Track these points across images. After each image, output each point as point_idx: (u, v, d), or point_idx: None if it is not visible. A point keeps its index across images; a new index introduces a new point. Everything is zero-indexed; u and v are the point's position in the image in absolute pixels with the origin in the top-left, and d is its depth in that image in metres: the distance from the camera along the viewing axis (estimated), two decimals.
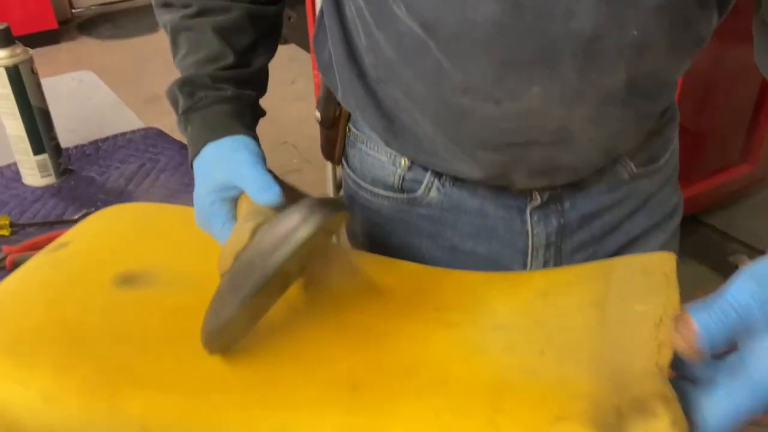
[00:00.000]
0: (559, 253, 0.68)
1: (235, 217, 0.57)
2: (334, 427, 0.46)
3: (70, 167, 0.99)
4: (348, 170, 0.73)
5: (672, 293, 0.46)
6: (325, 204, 0.46)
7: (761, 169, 1.91)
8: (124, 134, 1.08)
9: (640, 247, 0.71)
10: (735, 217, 1.96)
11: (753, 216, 1.92)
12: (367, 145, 0.69)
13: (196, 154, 0.60)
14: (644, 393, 0.41)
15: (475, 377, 0.47)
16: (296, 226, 0.45)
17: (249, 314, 0.48)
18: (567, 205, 0.66)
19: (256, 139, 0.60)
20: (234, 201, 0.57)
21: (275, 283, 0.47)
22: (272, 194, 0.52)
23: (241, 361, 0.51)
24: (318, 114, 0.73)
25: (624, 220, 0.69)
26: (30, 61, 0.88)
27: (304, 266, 0.52)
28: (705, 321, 0.38)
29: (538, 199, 0.65)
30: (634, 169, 0.67)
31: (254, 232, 0.49)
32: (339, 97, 0.68)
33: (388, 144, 0.66)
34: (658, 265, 0.49)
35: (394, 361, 0.50)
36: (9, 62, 0.86)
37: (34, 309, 0.55)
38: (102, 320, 0.54)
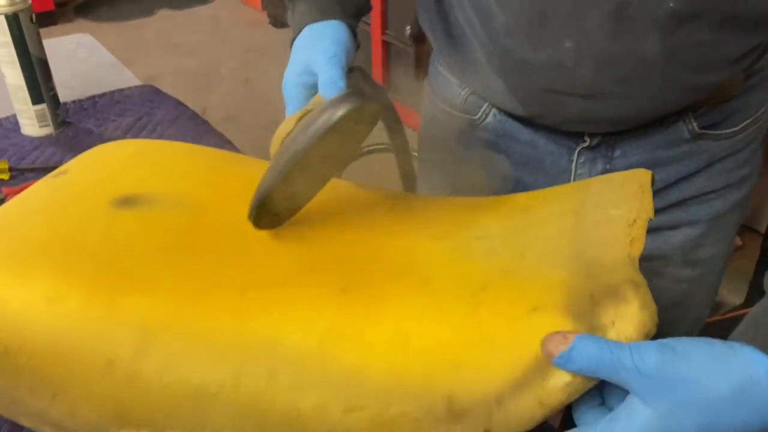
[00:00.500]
0: None
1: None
2: (324, 325, 0.49)
3: (68, 120, 1.01)
4: (428, 87, 0.79)
5: (646, 200, 0.49)
6: (359, 96, 0.50)
7: None
8: (121, 90, 1.10)
9: (693, 210, 0.70)
10: None
11: None
12: (442, 65, 0.75)
13: (295, 36, 0.62)
14: (615, 280, 0.43)
15: (457, 279, 0.50)
16: (328, 113, 0.50)
17: (285, 191, 0.53)
18: (617, 152, 0.66)
19: (353, 28, 0.62)
20: (314, 87, 0.57)
21: (306, 162, 0.51)
22: (334, 89, 0.53)
23: (235, 270, 0.53)
24: (408, 30, 0.79)
25: (680, 180, 0.68)
26: (29, 9, 0.89)
27: (339, 151, 0.55)
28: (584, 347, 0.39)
29: (587, 141, 0.66)
30: (697, 129, 0.65)
31: (300, 120, 0.53)
32: (419, 16, 0.72)
33: (451, 70, 0.71)
34: (633, 178, 0.52)
35: (381, 268, 0.52)
36: (8, 10, 0.87)
37: (36, 225, 0.57)
38: (101, 235, 0.56)
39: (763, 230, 1.66)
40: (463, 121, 0.73)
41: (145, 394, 0.49)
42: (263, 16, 3.50)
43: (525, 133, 0.69)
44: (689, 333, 0.81)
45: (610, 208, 0.49)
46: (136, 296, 0.50)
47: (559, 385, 0.43)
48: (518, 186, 0.71)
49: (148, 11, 3.87)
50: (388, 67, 2.56)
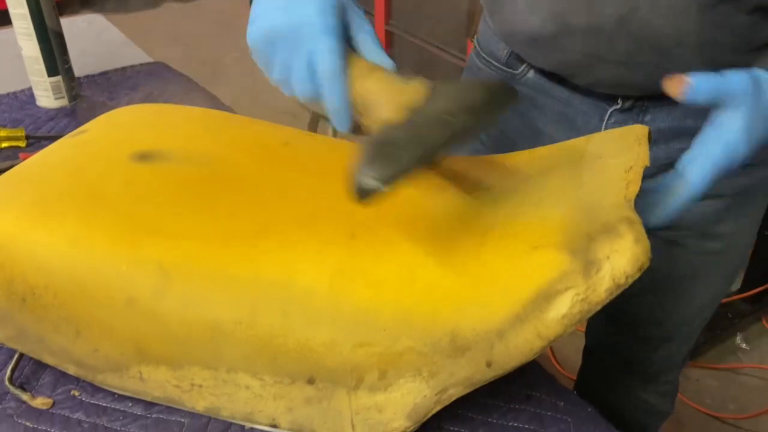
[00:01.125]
0: None
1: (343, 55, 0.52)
2: (334, 266, 0.51)
3: (81, 93, 1.04)
4: (475, 44, 0.82)
5: (642, 150, 0.51)
6: (508, 88, 0.53)
7: None
8: (132, 67, 1.13)
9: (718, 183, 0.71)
10: None
11: None
12: (488, 23, 0.77)
13: None
14: (611, 218, 0.45)
15: (461, 224, 0.52)
16: (489, 99, 0.50)
17: (422, 164, 0.48)
18: (648, 117, 0.67)
19: None
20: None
21: (455, 141, 0.49)
22: (388, 63, 0.53)
23: (249, 217, 0.55)
24: None
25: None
26: None
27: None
28: (699, 79, 0.48)
29: (620, 104, 0.68)
30: None
31: (433, 91, 0.50)
32: None
33: (496, 26, 0.73)
34: (631, 132, 0.54)
35: (388, 216, 0.55)
36: None
37: (58, 177, 0.60)
38: (121, 186, 0.58)
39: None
40: (506, 74, 0.76)
41: (164, 331, 0.52)
42: None
43: (561, 91, 0.71)
44: (705, 308, 0.82)
45: (608, 157, 0.52)
46: (156, 238, 0.53)
47: (556, 317, 0.46)
48: (550, 142, 0.71)
49: (154, 3, 3.90)
50: (392, 58, 2.58)
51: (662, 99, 0.62)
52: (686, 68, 0.57)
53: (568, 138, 0.70)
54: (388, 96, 0.50)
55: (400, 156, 0.46)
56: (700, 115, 0.64)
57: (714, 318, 1.66)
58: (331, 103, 0.51)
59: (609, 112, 0.69)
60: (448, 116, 0.48)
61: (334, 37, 0.50)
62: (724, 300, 1.70)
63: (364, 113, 0.52)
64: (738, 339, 1.65)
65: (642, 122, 0.68)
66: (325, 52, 0.50)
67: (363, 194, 0.46)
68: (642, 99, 0.67)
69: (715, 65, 0.58)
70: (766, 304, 1.72)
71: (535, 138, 0.75)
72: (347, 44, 0.53)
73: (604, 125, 0.69)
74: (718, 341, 1.64)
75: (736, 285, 1.73)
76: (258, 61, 0.55)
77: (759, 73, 0.51)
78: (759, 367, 1.59)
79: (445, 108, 0.49)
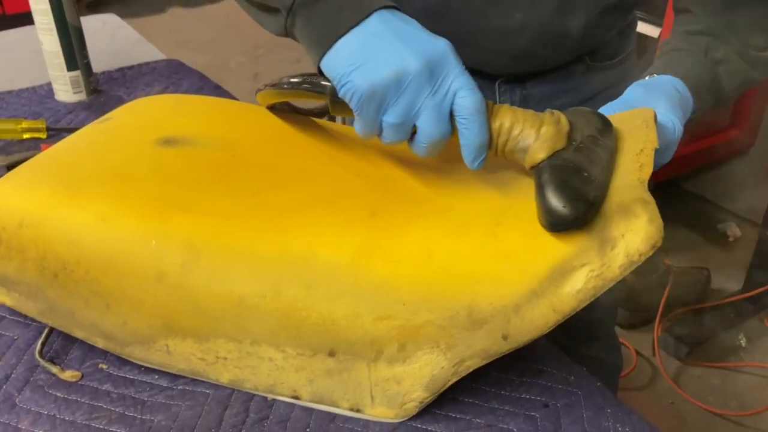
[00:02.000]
0: None
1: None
2: (355, 243, 0.53)
3: (99, 88, 1.06)
4: None
5: (650, 132, 0.54)
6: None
7: (749, 134, 1.98)
8: (148, 63, 1.15)
9: None
10: (723, 184, 2.04)
11: (741, 183, 1.99)
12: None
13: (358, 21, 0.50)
14: (626, 199, 0.48)
15: (478, 204, 0.54)
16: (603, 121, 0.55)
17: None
18: (529, 84, 0.80)
19: None
20: None
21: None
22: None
23: (272, 197, 0.58)
24: None
25: (580, 104, 0.75)
26: None
27: None
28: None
29: (504, 77, 0.80)
30: (589, 62, 0.81)
31: (569, 118, 0.53)
32: None
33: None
34: (639, 115, 0.57)
35: (407, 196, 0.57)
36: None
37: (86, 159, 0.62)
38: (148, 168, 0.60)
39: (759, 221, 1.71)
40: None
41: (191, 305, 0.54)
42: None
43: None
44: None
45: (618, 140, 0.54)
46: (184, 215, 0.55)
47: (571, 292, 0.48)
48: None
49: (159, 8, 3.93)
50: None
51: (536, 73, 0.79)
52: (566, 55, 0.78)
53: None
54: (527, 126, 0.52)
55: (590, 189, 0.48)
56: (569, 76, 0.81)
57: (716, 317, 1.69)
58: (477, 139, 0.51)
59: (497, 84, 0.79)
60: (600, 139, 0.52)
61: (468, 75, 0.51)
62: (726, 299, 1.73)
63: (514, 155, 0.53)
64: (740, 338, 1.67)
65: (525, 86, 0.80)
66: (468, 89, 0.50)
67: (558, 227, 0.48)
68: (518, 74, 0.79)
69: (585, 49, 0.78)
70: (767, 304, 1.74)
71: None
72: None
73: (497, 93, 0.80)
74: (721, 340, 1.66)
75: (739, 285, 1.75)
76: (364, 108, 0.50)
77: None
78: (760, 365, 1.61)
79: (588, 132, 0.52)
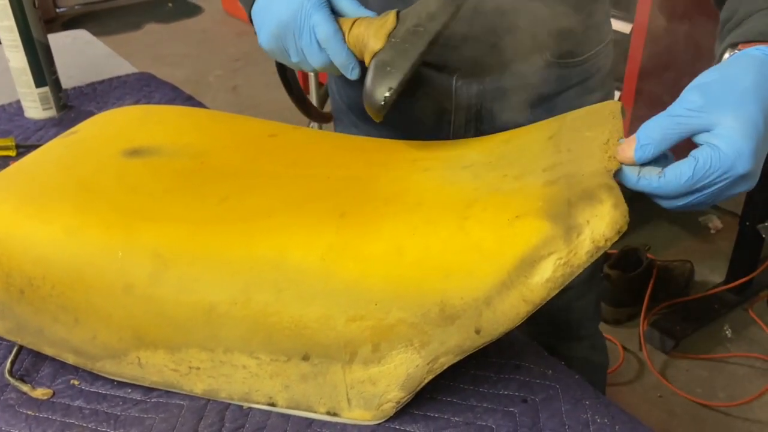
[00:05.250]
0: (480, 116, 0.77)
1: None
2: (325, 244, 0.53)
3: (69, 104, 1.05)
4: None
5: (617, 123, 0.54)
6: None
7: None
8: (119, 77, 1.14)
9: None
10: None
11: None
12: None
13: None
14: (591, 185, 0.48)
15: (446, 199, 0.54)
16: (443, 6, 0.60)
17: (413, 72, 0.59)
18: (488, 78, 0.77)
19: None
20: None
21: (434, 45, 0.60)
22: (368, 13, 0.63)
23: (239, 203, 0.57)
24: None
25: (543, 100, 0.77)
26: None
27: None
28: (643, 135, 0.49)
29: (462, 70, 0.77)
30: (550, 59, 0.78)
31: (398, 16, 0.61)
32: None
33: None
34: (605, 107, 0.57)
35: (375, 196, 0.56)
36: None
37: (52, 173, 0.61)
38: (114, 179, 0.60)
39: (740, 213, 1.72)
40: None
41: (161, 315, 0.53)
42: (250, 27, 3.55)
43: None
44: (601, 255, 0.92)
45: (584, 130, 0.54)
46: (150, 224, 0.55)
47: (540, 281, 0.47)
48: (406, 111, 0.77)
49: (135, 25, 3.92)
50: None
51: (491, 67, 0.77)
52: (520, 52, 0.74)
53: (423, 104, 0.78)
54: (372, 32, 0.61)
55: (393, 72, 0.59)
56: (527, 71, 0.77)
57: (701, 309, 1.69)
58: (338, 59, 0.62)
59: (454, 78, 0.77)
60: (418, 27, 0.59)
61: (324, 10, 0.62)
62: (710, 291, 1.73)
63: (364, 56, 0.61)
64: (725, 329, 1.67)
65: (484, 81, 0.77)
66: (320, 23, 0.61)
67: (376, 109, 0.58)
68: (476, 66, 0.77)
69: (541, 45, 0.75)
70: (750, 295, 1.75)
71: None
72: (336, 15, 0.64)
73: (453, 87, 0.77)
74: (706, 332, 1.67)
75: (722, 276, 1.76)
76: (277, 58, 0.67)
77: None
78: (746, 355, 1.61)
79: (414, 22, 0.60)
